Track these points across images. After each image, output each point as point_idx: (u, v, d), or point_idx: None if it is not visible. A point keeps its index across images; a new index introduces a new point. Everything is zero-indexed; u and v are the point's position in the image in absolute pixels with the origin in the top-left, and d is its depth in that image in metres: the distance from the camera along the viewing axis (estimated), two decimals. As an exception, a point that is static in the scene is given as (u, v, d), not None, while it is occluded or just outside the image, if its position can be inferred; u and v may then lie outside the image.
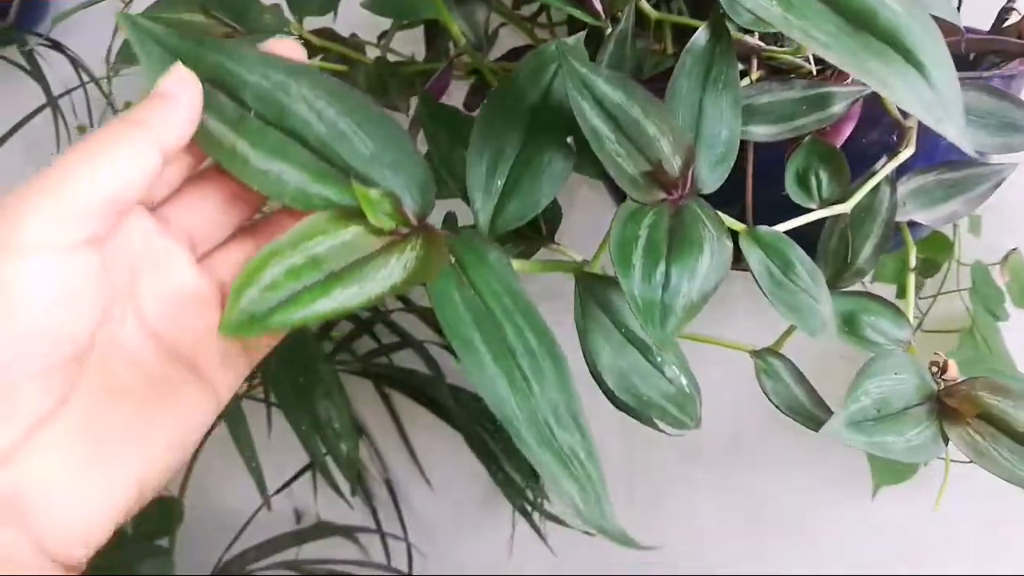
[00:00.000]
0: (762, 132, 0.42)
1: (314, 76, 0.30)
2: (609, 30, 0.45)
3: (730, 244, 0.35)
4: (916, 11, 0.22)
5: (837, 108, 0.43)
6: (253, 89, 0.29)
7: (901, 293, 0.69)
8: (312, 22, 0.64)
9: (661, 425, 0.42)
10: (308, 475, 0.96)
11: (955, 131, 0.21)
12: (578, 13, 0.46)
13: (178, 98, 0.28)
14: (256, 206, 0.33)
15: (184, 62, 0.29)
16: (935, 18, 0.43)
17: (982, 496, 0.68)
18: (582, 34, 0.38)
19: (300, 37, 0.62)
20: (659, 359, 0.39)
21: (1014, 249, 0.69)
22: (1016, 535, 0.80)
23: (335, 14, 0.65)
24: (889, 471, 0.76)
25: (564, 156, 0.37)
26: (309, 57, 0.65)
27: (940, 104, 0.21)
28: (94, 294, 0.27)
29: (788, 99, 0.43)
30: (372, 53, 0.68)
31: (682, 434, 0.40)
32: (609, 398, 0.41)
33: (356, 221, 0.28)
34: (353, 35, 0.69)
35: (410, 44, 0.70)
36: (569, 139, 0.37)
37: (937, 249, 0.69)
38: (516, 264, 0.39)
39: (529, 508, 0.88)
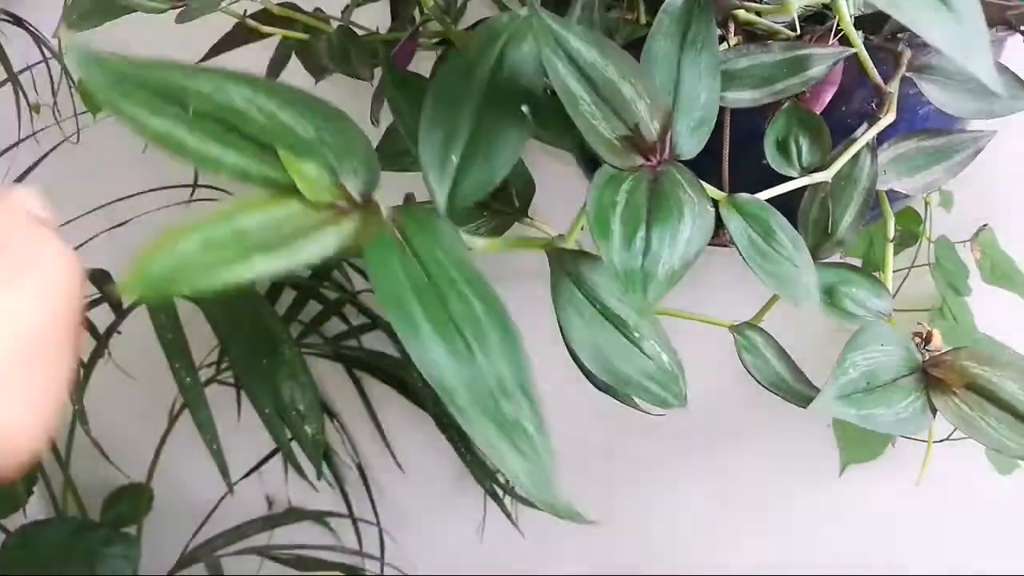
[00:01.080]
0: (741, 97, 0.41)
1: (254, 79, 0.29)
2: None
3: (711, 210, 0.34)
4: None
5: (817, 70, 0.41)
6: (195, 93, 0.28)
7: (870, 266, 0.68)
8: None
9: (644, 405, 0.40)
10: (280, 461, 0.94)
11: (984, 68, 0.19)
12: None
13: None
14: None
15: (129, 82, 0.27)
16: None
17: (951, 475, 0.67)
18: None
19: (262, 7, 0.60)
20: (636, 335, 0.37)
21: (985, 225, 0.69)
22: (985, 513, 0.80)
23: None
24: (857, 449, 0.75)
25: (519, 126, 0.35)
26: (271, 26, 0.63)
27: (967, 39, 0.20)
28: None
29: (767, 62, 0.42)
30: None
31: (662, 413, 0.39)
32: (588, 378, 0.39)
33: (296, 198, 0.27)
34: (317, 9, 0.67)
35: (374, 19, 0.68)
36: (524, 108, 0.35)
37: (908, 223, 0.68)
38: (484, 242, 0.37)
39: (500, 492, 0.86)
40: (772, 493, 0.87)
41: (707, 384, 0.82)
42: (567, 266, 0.39)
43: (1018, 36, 0.50)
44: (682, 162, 0.37)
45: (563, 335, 0.38)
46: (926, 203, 0.69)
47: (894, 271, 0.70)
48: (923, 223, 0.69)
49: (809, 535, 0.87)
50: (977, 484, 0.74)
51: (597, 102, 0.34)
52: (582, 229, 0.40)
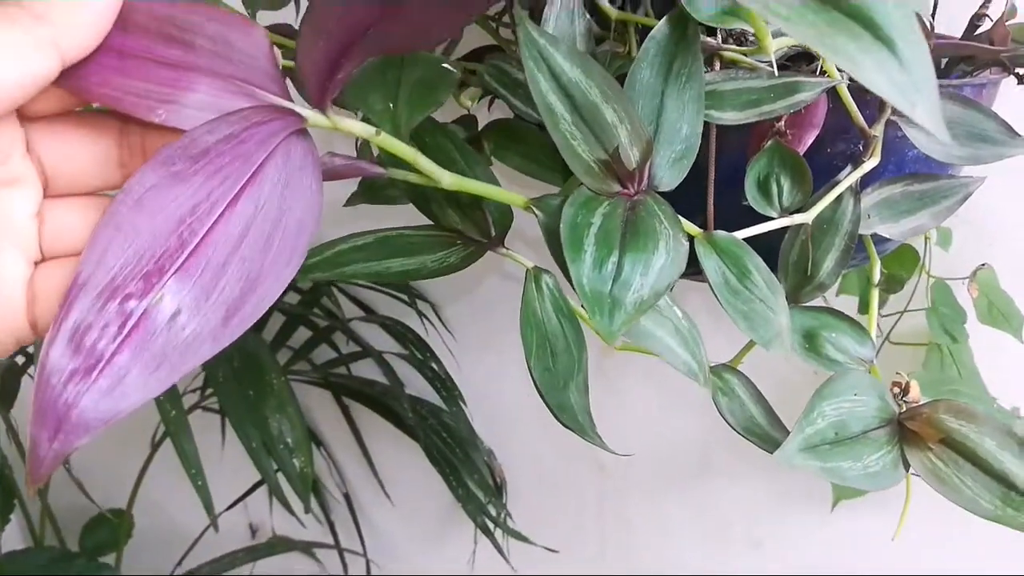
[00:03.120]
0: (728, 117, 0.40)
1: None
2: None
3: (686, 244, 0.33)
4: (887, -13, 0.20)
5: (806, 95, 0.40)
6: None
7: (864, 308, 0.67)
8: (266, 17, 0.62)
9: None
10: (264, 488, 0.93)
11: (928, 116, 0.18)
12: None
13: None
14: (123, 176, 0.29)
15: None
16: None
17: (944, 512, 0.66)
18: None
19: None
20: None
21: (984, 264, 0.67)
22: (976, 552, 0.78)
23: (297, 9, 0.63)
24: (849, 486, 0.74)
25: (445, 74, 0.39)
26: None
27: (912, 85, 0.19)
28: None
29: (755, 87, 0.41)
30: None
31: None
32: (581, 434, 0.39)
33: None
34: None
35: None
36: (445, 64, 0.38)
37: (905, 263, 0.67)
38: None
39: (491, 525, 0.85)
40: (765, 528, 0.85)
41: (699, 420, 0.82)
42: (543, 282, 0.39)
43: (1012, 79, 0.50)
44: (663, 195, 0.37)
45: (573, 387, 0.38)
46: (926, 239, 0.68)
47: (890, 313, 0.69)
48: (919, 262, 0.68)
49: (804, 568, 0.85)
50: (973, 522, 0.72)
51: (578, 123, 0.33)
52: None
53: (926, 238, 0.68)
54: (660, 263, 0.33)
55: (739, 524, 0.86)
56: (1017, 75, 0.49)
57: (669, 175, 0.37)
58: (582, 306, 0.32)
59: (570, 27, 0.41)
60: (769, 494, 0.83)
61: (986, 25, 0.49)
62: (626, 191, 0.35)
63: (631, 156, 0.35)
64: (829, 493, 0.75)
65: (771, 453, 0.41)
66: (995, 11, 0.49)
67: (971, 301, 0.64)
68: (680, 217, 0.37)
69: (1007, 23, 0.47)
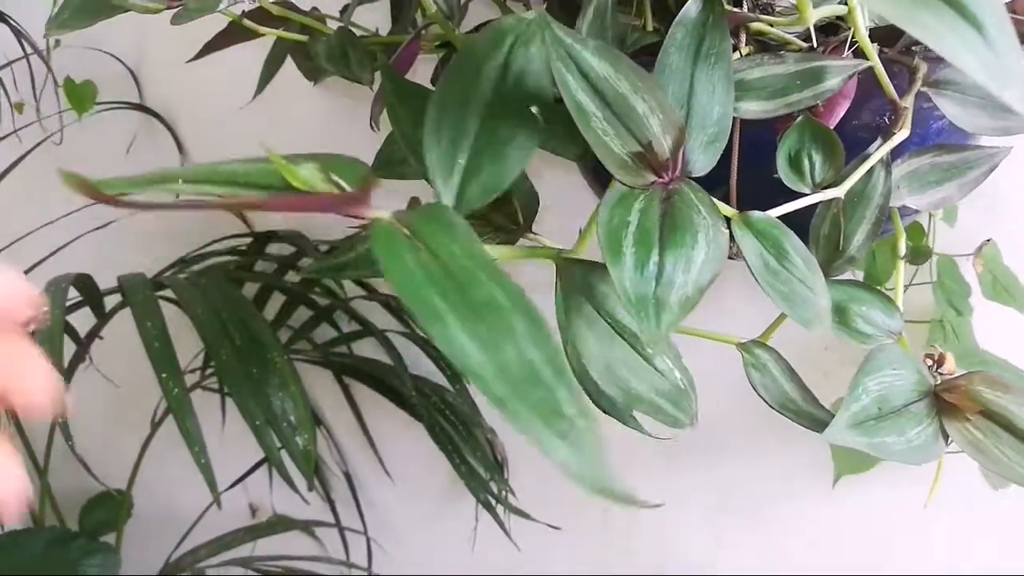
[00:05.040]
0: (754, 109, 0.40)
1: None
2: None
3: (726, 232, 0.33)
4: (968, -34, 0.19)
5: (832, 82, 0.40)
6: (186, 175, 0.27)
7: (873, 279, 0.67)
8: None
9: (654, 429, 0.39)
10: (263, 468, 0.92)
11: (1019, 98, 0.18)
12: None
13: None
14: None
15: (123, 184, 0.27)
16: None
17: (949, 488, 0.67)
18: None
19: (259, 6, 0.59)
20: (649, 351, 0.36)
21: (989, 240, 0.68)
22: (981, 527, 0.79)
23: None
24: (850, 461, 0.74)
25: (530, 129, 0.34)
26: (268, 27, 0.61)
27: (1001, 67, 0.18)
28: None
29: (781, 74, 0.41)
30: (334, 27, 0.65)
31: (670, 438, 0.38)
32: (591, 396, 0.38)
33: None
34: (314, 8, 0.65)
35: (375, 20, 0.67)
36: (534, 109, 0.33)
37: (913, 238, 0.67)
38: (494, 251, 0.36)
39: (493, 502, 0.85)
40: (770, 503, 0.86)
41: (703, 396, 0.82)
42: (577, 278, 0.37)
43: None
44: (692, 178, 0.36)
45: (568, 351, 0.37)
46: (931, 216, 0.68)
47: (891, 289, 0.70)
48: (927, 236, 0.68)
49: (807, 545, 0.86)
50: (975, 493, 0.73)
51: (609, 118, 0.33)
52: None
53: (930, 215, 0.68)
54: (701, 257, 0.32)
55: (743, 500, 0.86)
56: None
57: (703, 159, 0.37)
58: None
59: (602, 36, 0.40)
60: (774, 469, 0.84)
61: (1009, -4, 0.49)
62: (661, 180, 0.34)
63: (664, 145, 0.34)
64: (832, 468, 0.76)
65: (807, 428, 0.41)
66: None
67: (976, 277, 0.65)
68: (714, 199, 0.36)
69: (1032, -7, 0.46)
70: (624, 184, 0.34)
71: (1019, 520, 0.77)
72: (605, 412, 0.39)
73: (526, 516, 0.87)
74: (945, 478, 0.60)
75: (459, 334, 0.24)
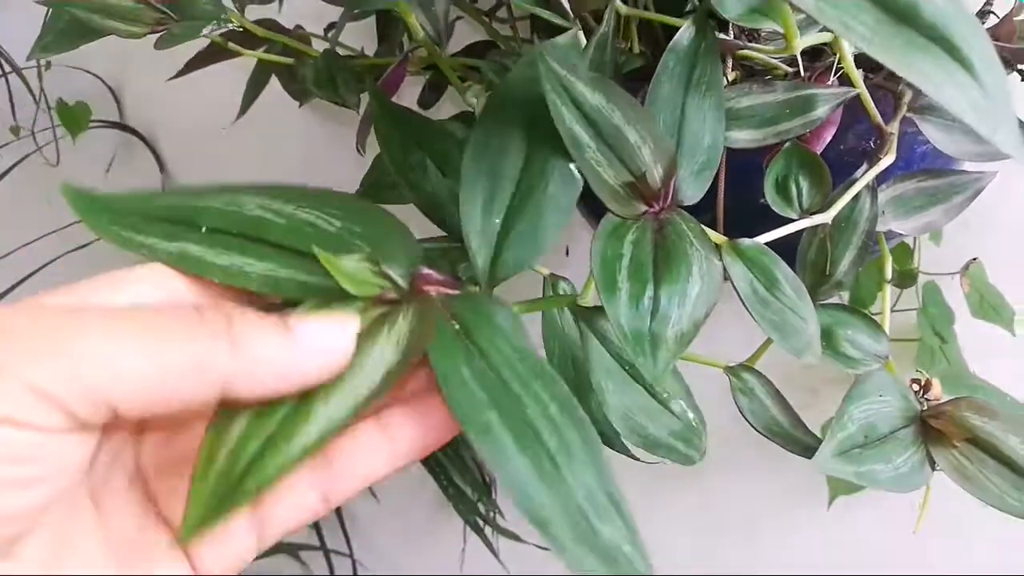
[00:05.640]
0: (745, 138, 0.40)
1: (264, 187, 0.27)
2: (586, 32, 0.42)
3: (719, 264, 0.32)
4: (959, 7, 0.19)
5: (821, 111, 0.40)
6: (207, 213, 0.26)
7: (859, 302, 0.67)
8: (255, 11, 0.60)
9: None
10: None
11: (1011, 141, 0.18)
12: (545, 14, 0.43)
13: (310, 349, 0.23)
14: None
15: (135, 215, 0.25)
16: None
17: (940, 509, 0.67)
18: (574, 32, 0.35)
19: (240, 27, 0.58)
20: (665, 395, 0.36)
21: (975, 259, 0.68)
22: (973, 548, 0.79)
23: (280, 4, 0.61)
24: (844, 481, 0.74)
25: (569, 182, 0.32)
26: (251, 48, 0.61)
27: (993, 109, 0.18)
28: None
29: (771, 102, 0.41)
30: (320, 47, 0.64)
31: (661, 461, 0.37)
32: (606, 442, 0.38)
33: (335, 304, 0.24)
34: (298, 27, 0.65)
35: (359, 38, 0.67)
36: (572, 166, 0.32)
37: (899, 258, 0.68)
38: (515, 307, 0.35)
39: (481, 523, 0.84)
40: (762, 522, 0.86)
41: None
42: (594, 326, 0.37)
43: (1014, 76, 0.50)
44: (682, 207, 0.36)
45: (594, 400, 0.37)
46: (915, 236, 0.68)
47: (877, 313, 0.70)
48: (913, 257, 0.69)
49: (801, 565, 0.86)
50: (970, 511, 0.73)
51: (602, 148, 0.32)
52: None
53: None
54: (696, 291, 0.31)
55: (736, 520, 0.86)
56: (1021, 72, 0.50)
57: (693, 188, 0.36)
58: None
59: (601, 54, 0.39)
60: (766, 489, 0.84)
61: (991, 21, 0.50)
62: (652, 210, 0.34)
63: (656, 174, 0.34)
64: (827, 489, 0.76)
65: (795, 453, 0.41)
66: (1001, 7, 0.49)
67: (963, 295, 0.65)
68: (703, 227, 0.36)
69: (1015, 19, 0.47)
70: (617, 215, 0.33)
71: (1014, 531, 0.77)
72: (619, 451, 0.39)
73: (515, 538, 0.87)
74: (940, 496, 0.60)
75: (521, 467, 0.23)
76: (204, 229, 0.26)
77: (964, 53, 0.19)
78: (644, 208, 0.34)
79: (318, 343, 0.22)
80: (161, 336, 0.20)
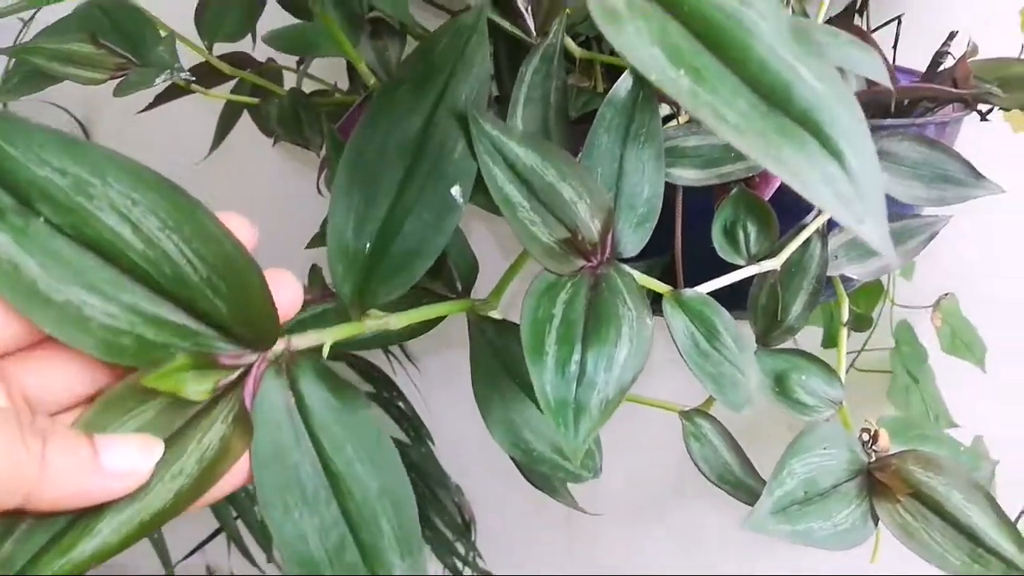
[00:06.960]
0: (688, 176, 0.40)
1: (130, 170, 0.23)
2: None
3: (651, 323, 0.32)
4: (837, 88, 0.19)
5: (765, 158, 0.40)
6: (51, 198, 0.22)
7: (829, 341, 0.67)
8: (223, 47, 0.60)
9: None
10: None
11: (877, 233, 0.18)
12: (507, 24, 0.43)
13: (113, 473, 0.23)
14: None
15: None
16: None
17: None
18: (482, 3, 0.34)
19: (207, 63, 0.59)
20: None
21: (948, 293, 0.68)
22: None
23: (253, 39, 0.61)
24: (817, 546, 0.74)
25: (450, 207, 0.31)
26: (218, 84, 0.61)
27: (860, 200, 0.18)
28: None
29: (716, 144, 0.41)
30: (291, 79, 0.64)
31: (598, 514, 0.37)
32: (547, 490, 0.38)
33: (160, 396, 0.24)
34: (270, 60, 0.65)
35: (334, 72, 0.67)
36: (455, 190, 0.32)
37: (871, 293, 0.68)
38: (396, 318, 0.34)
39: (459, 564, 0.84)
40: (744, 556, 0.85)
41: (673, 446, 0.81)
42: (488, 335, 0.37)
43: (974, 116, 0.50)
44: (625, 260, 0.36)
45: (480, 410, 0.36)
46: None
47: (854, 350, 0.69)
48: (884, 294, 0.68)
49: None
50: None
51: (536, 207, 0.32)
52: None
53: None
54: (624, 354, 0.31)
55: (716, 552, 0.85)
56: (980, 112, 0.49)
57: (633, 240, 0.36)
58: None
59: (544, 85, 0.39)
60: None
61: (948, 63, 0.50)
62: (590, 264, 0.34)
63: (592, 229, 0.33)
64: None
65: (744, 502, 0.41)
66: (957, 49, 0.49)
67: (934, 331, 0.65)
68: (646, 277, 0.36)
69: (969, 60, 0.47)
70: (552, 272, 0.33)
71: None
72: (529, 481, 0.38)
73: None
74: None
75: None
76: (43, 219, 0.22)
77: (835, 142, 0.18)
78: (582, 263, 0.34)
79: (121, 466, 0.23)
80: None
